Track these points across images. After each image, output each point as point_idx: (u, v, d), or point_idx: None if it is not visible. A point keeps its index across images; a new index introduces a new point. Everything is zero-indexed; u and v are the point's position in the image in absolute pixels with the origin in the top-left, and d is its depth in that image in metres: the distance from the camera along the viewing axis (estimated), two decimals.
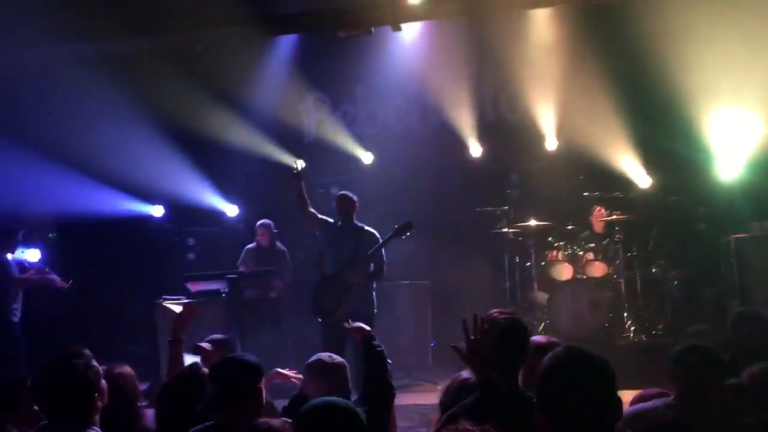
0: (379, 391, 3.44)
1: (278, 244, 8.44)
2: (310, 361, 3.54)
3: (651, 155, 8.57)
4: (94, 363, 2.75)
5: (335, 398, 2.40)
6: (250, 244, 8.44)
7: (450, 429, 1.97)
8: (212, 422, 2.86)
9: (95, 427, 2.68)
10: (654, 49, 8.05)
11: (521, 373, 3.21)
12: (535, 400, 2.88)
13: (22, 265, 7.78)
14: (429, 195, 9.07)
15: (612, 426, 1.90)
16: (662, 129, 8.39)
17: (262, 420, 2.56)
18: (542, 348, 3.19)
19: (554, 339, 3.36)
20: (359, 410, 2.33)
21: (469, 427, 1.96)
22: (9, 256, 7.56)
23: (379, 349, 3.60)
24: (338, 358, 3.58)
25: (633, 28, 7.99)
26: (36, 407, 3.05)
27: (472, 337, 2.83)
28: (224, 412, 2.86)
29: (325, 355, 3.58)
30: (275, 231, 8.47)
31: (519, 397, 2.92)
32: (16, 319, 7.50)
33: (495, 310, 3.11)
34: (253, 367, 2.99)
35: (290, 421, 2.64)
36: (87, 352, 2.76)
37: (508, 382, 2.96)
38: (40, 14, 7.04)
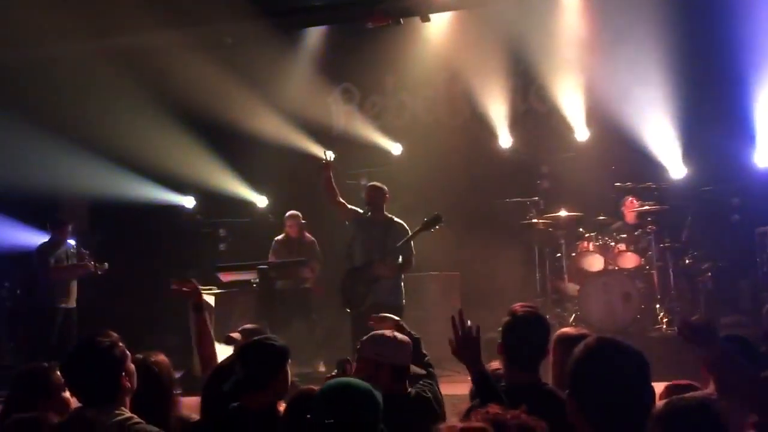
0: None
1: (307, 234, 8.48)
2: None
3: (684, 144, 8.45)
4: (121, 344, 2.79)
5: (352, 379, 2.39)
6: (279, 235, 8.49)
7: (480, 413, 1.96)
8: (238, 403, 2.90)
9: (124, 408, 2.72)
10: (685, 34, 7.95)
11: (551, 367, 3.21)
12: (553, 393, 2.91)
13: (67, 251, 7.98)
14: (458, 186, 9.04)
15: (645, 416, 1.89)
16: (695, 117, 8.28)
17: (305, 387, 2.56)
18: (571, 339, 3.18)
19: (584, 330, 3.33)
20: (375, 392, 2.31)
21: (500, 411, 1.96)
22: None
23: (415, 337, 3.57)
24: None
25: (664, 13, 7.90)
26: (65, 394, 3.13)
27: (460, 333, 2.90)
28: (249, 394, 2.89)
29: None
30: (303, 222, 8.51)
31: (539, 391, 2.91)
32: (58, 306, 7.75)
33: (518, 305, 3.14)
34: (278, 350, 3.01)
35: None
36: (114, 334, 2.81)
37: (528, 376, 2.97)
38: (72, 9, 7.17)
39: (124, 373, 2.76)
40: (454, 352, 2.94)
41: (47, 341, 7.57)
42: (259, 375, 2.93)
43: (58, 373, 3.04)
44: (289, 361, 3.04)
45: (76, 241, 8.38)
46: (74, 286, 7.97)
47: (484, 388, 2.83)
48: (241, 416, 2.87)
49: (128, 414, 2.71)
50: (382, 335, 3.30)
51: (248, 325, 4.34)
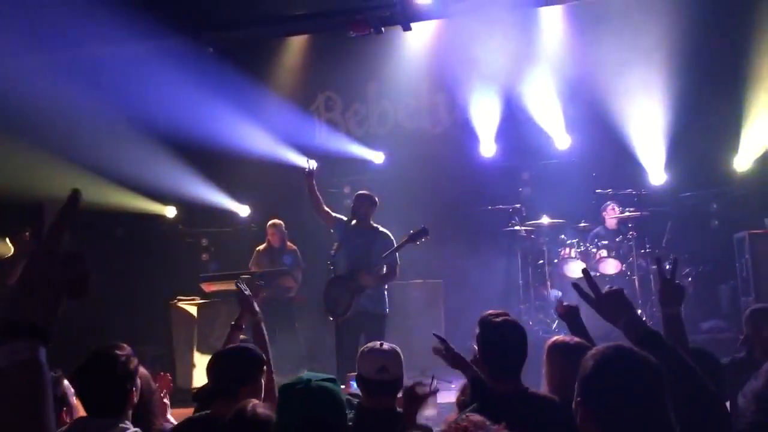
0: None
1: (289, 243, 8.44)
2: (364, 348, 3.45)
3: (664, 151, 8.55)
4: (134, 358, 2.79)
5: (315, 374, 2.35)
6: (260, 245, 8.46)
7: (463, 420, 1.95)
8: (208, 411, 2.88)
9: (128, 422, 2.71)
10: (667, 41, 8.06)
11: (545, 374, 3.21)
12: (541, 397, 2.92)
13: None
14: (440, 194, 9.07)
15: (662, 424, 1.87)
16: (675, 123, 8.38)
17: (250, 404, 2.52)
18: (569, 347, 3.20)
19: (577, 339, 3.34)
20: (336, 387, 2.29)
21: (481, 420, 1.94)
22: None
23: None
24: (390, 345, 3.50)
25: (646, 21, 8.01)
26: (73, 400, 3.09)
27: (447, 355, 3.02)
28: (219, 402, 2.87)
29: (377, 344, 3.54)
30: (285, 231, 8.48)
31: (526, 397, 2.92)
32: None
33: (489, 312, 3.10)
34: (250, 359, 2.99)
35: None
36: (127, 347, 2.80)
37: (512, 383, 2.97)
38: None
39: (134, 388, 2.75)
40: (450, 364, 3.06)
41: None
42: (230, 383, 2.91)
43: (66, 382, 3.00)
44: (267, 369, 3.03)
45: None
46: None
47: (479, 391, 2.83)
48: (211, 424, 2.84)
49: (132, 428, 2.69)
50: None
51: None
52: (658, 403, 1.84)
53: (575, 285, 2.52)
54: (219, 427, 2.63)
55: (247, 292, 3.86)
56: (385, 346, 3.26)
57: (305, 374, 2.30)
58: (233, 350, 3.15)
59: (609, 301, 2.34)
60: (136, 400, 2.77)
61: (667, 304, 2.63)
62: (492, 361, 2.99)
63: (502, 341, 2.98)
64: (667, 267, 2.76)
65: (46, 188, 8.65)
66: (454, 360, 3.14)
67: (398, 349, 3.28)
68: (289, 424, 2.20)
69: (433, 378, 2.93)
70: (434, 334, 3.24)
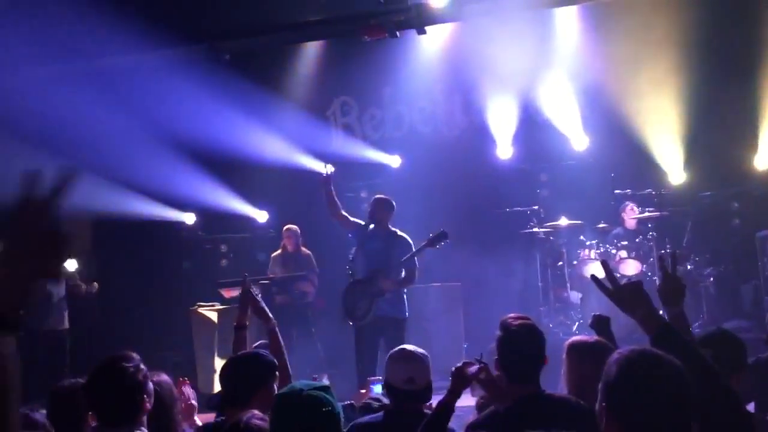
0: None
1: (303, 248, 8.45)
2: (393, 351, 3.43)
3: (683, 150, 8.48)
4: (143, 366, 2.80)
5: (309, 383, 2.32)
6: (275, 251, 8.49)
7: None
8: (221, 418, 2.88)
9: (143, 428, 2.74)
10: (685, 39, 7.99)
11: (565, 375, 3.20)
12: (560, 398, 2.90)
13: None
14: (458, 196, 9.04)
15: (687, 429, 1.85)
16: (695, 122, 8.30)
17: (246, 416, 2.50)
18: (587, 346, 3.18)
19: (596, 337, 3.32)
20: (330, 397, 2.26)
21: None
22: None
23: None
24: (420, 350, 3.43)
25: (663, 19, 7.94)
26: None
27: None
28: (232, 409, 2.87)
29: (409, 346, 3.47)
30: (300, 236, 8.49)
31: (544, 400, 2.91)
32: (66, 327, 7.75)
33: (509, 317, 3.10)
34: (262, 365, 2.99)
35: None
36: (135, 355, 2.82)
37: (530, 387, 2.96)
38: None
39: (145, 396, 2.76)
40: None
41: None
42: (241, 390, 2.92)
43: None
44: (283, 375, 3.02)
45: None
46: (60, 306, 7.80)
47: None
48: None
49: None
50: None
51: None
52: (684, 409, 1.81)
53: (593, 277, 2.50)
54: None
55: (259, 297, 3.84)
56: (414, 353, 3.25)
57: (298, 383, 2.28)
58: (245, 357, 3.15)
59: (627, 292, 2.33)
60: (149, 406, 2.78)
61: (669, 303, 2.60)
62: (509, 365, 2.99)
63: (519, 346, 2.98)
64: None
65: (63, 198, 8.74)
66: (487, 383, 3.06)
67: (426, 356, 3.27)
68: None
69: (482, 357, 2.92)
70: (477, 359, 3.06)
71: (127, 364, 2.75)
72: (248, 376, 2.95)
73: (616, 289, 2.35)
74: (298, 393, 2.21)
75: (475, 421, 2.84)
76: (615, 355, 1.92)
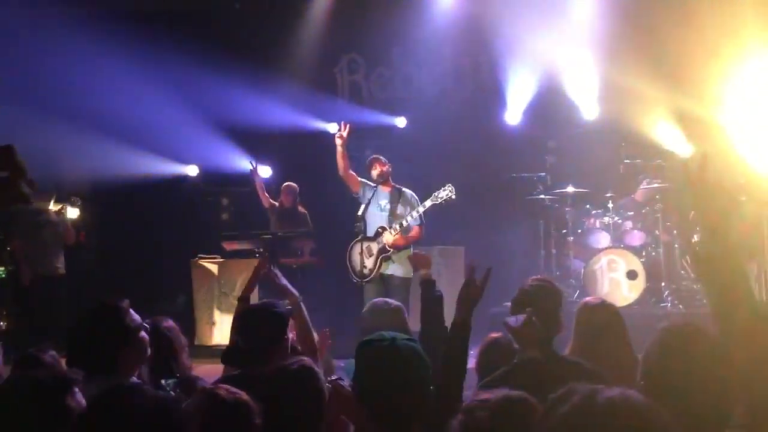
0: (433, 334, 3.24)
1: (300, 206, 8.37)
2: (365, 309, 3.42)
3: (692, 123, 8.36)
4: (129, 316, 2.64)
5: (394, 333, 2.22)
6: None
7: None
8: (238, 372, 2.80)
9: (135, 378, 2.63)
10: (696, 11, 7.84)
11: (573, 339, 3.17)
12: (571, 361, 2.86)
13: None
14: (464, 159, 8.94)
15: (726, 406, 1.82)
16: (704, 96, 8.17)
17: (296, 359, 2.39)
18: (593, 308, 3.16)
19: (602, 299, 3.30)
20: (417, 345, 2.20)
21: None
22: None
23: (438, 294, 3.39)
24: (394, 303, 3.46)
25: None
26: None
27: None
28: (248, 362, 2.78)
29: (380, 301, 3.49)
30: (298, 195, 8.39)
31: (555, 361, 2.85)
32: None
33: (529, 279, 3.11)
34: (276, 317, 2.90)
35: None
36: (123, 305, 2.67)
37: (541, 348, 2.90)
38: None
39: (131, 344, 2.62)
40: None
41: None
42: (259, 345, 2.81)
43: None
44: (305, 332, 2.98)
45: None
46: (54, 252, 7.87)
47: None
48: (247, 383, 2.77)
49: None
50: None
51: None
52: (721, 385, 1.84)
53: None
54: (259, 383, 2.46)
55: (279, 274, 3.62)
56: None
57: (386, 333, 2.18)
58: (260, 309, 3.03)
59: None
60: (143, 355, 2.66)
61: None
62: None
63: (530, 305, 2.92)
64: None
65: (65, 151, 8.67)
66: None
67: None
68: (373, 384, 2.11)
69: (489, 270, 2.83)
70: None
71: (107, 314, 2.62)
72: (263, 328, 2.85)
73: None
74: (392, 341, 2.12)
75: (489, 380, 2.80)
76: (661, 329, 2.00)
